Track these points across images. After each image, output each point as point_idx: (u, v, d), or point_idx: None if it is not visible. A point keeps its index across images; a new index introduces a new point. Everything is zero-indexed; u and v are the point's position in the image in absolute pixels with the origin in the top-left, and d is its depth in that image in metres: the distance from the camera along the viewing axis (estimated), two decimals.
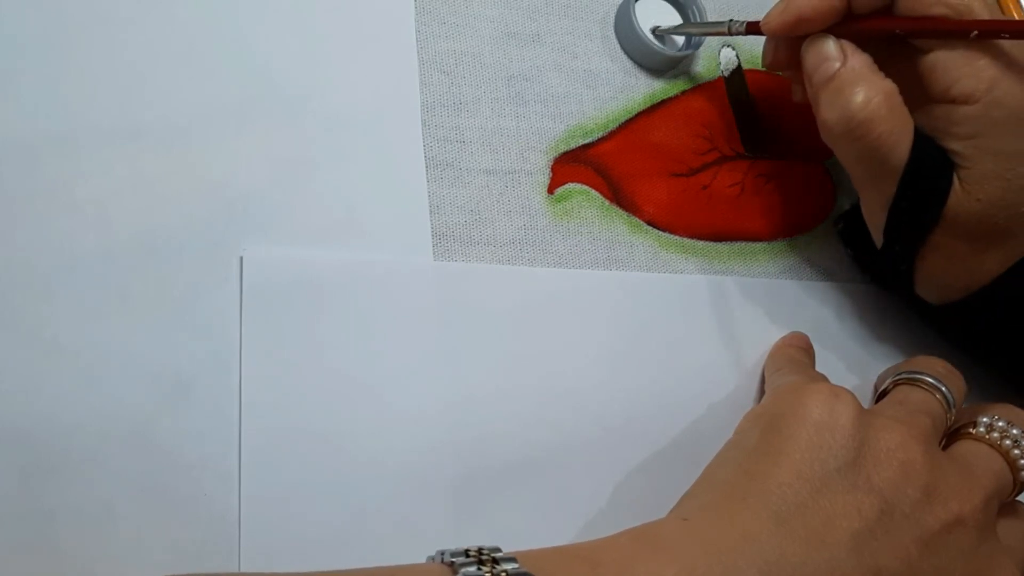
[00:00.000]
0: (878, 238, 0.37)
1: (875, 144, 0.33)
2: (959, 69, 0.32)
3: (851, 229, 0.40)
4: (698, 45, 0.41)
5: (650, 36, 0.40)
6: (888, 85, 0.33)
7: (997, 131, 0.32)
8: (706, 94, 0.42)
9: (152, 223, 0.30)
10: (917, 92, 0.33)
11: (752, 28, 0.37)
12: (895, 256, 0.36)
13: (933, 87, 0.33)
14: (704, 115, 0.41)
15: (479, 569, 0.23)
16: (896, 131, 0.33)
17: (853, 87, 0.33)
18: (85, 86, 0.31)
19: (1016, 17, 0.48)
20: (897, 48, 0.34)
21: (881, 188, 0.34)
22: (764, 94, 0.43)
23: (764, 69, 0.40)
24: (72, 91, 0.31)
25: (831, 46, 0.34)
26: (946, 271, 0.36)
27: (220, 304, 0.30)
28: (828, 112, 0.34)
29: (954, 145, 0.33)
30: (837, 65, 0.33)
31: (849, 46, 0.34)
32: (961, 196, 0.33)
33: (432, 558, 0.25)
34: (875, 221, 0.36)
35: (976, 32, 0.31)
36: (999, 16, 0.38)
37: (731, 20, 0.38)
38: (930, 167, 0.33)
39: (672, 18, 0.42)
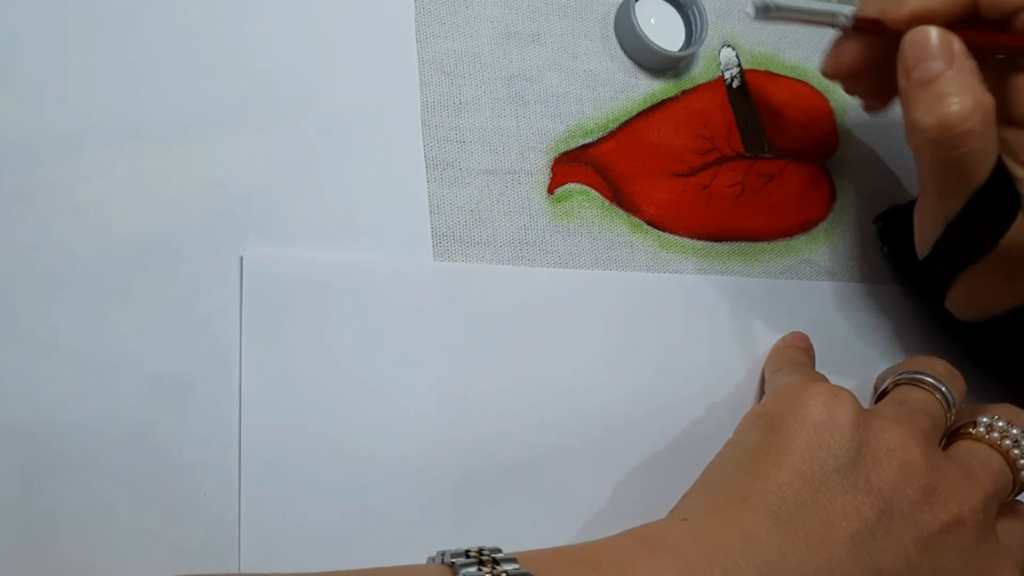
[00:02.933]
0: (923, 246, 0.36)
1: (962, 159, 0.31)
2: None
3: (890, 228, 0.40)
4: (698, 45, 0.41)
5: (650, 36, 0.40)
6: (989, 100, 0.31)
7: None
8: (706, 94, 0.42)
9: (152, 223, 0.30)
10: (1000, 110, 0.32)
11: (862, 23, 0.34)
12: (937, 271, 0.36)
13: (1014, 108, 0.32)
14: (704, 115, 0.41)
15: (479, 570, 0.23)
16: (986, 152, 0.32)
17: (956, 96, 0.31)
18: (85, 86, 0.31)
19: None
20: (991, 60, 0.33)
21: (947, 202, 0.33)
22: (764, 94, 0.43)
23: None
24: (72, 91, 0.31)
25: (936, 41, 0.32)
26: (981, 294, 0.36)
27: (220, 304, 0.30)
28: (923, 116, 0.32)
29: (1018, 171, 0.32)
30: (942, 67, 0.31)
31: (957, 44, 0.32)
32: (1019, 226, 0.32)
33: (432, 559, 0.25)
34: (927, 231, 0.35)
35: None
36: None
37: (839, 12, 0.35)
38: (1002, 195, 0.32)
39: (672, 18, 0.42)
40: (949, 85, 0.31)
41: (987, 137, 0.31)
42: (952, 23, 0.32)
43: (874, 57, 0.36)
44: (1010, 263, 0.33)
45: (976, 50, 0.32)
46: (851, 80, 0.38)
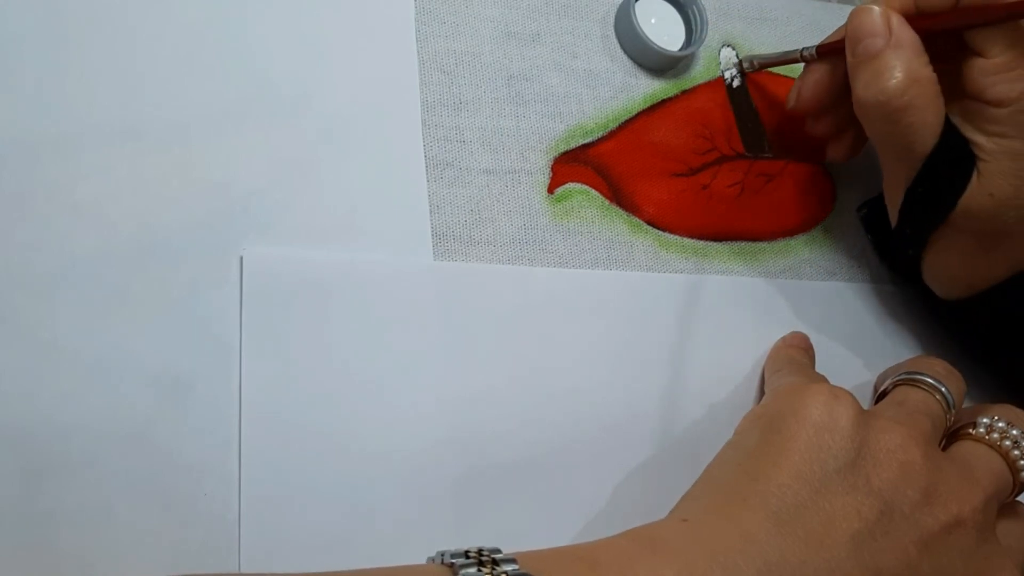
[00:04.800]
0: (894, 217, 0.37)
1: (905, 130, 0.33)
2: (997, 75, 0.32)
3: (874, 216, 0.40)
4: (698, 45, 0.41)
5: (650, 36, 0.40)
6: (927, 73, 0.33)
7: (1022, 134, 0.32)
8: (706, 94, 0.42)
9: (152, 223, 0.30)
10: (955, 82, 0.34)
11: (824, 48, 0.37)
12: (906, 238, 0.37)
13: (970, 86, 0.33)
14: (704, 115, 0.41)
15: (479, 570, 0.23)
16: (928, 122, 0.33)
17: (893, 71, 0.33)
18: (85, 86, 0.31)
19: None
20: (944, 37, 0.34)
21: (903, 169, 0.35)
22: (764, 94, 0.43)
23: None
24: (72, 91, 0.31)
25: (878, 19, 0.33)
26: (953, 264, 0.36)
27: (220, 304, 0.30)
28: (864, 90, 0.34)
29: (978, 137, 0.33)
30: (881, 43, 0.33)
31: (897, 20, 0.33)
32: (976, 189, 0.33)
33: (432, 559, 0.25)
34: (893, 199, 0.37)
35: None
36: None
37: (804, 47, 0.38)
38: (953, 158, 0.34)
39: (672, 18, 0.42)
40: (889, 60, 0.33)
41: (928, 108, 0.33)
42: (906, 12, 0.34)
43: (833, 88, 0.38)
44: (972, 230, 0.34)
45: (928, 31, 0.34)
46: (814, 117, 0.40)
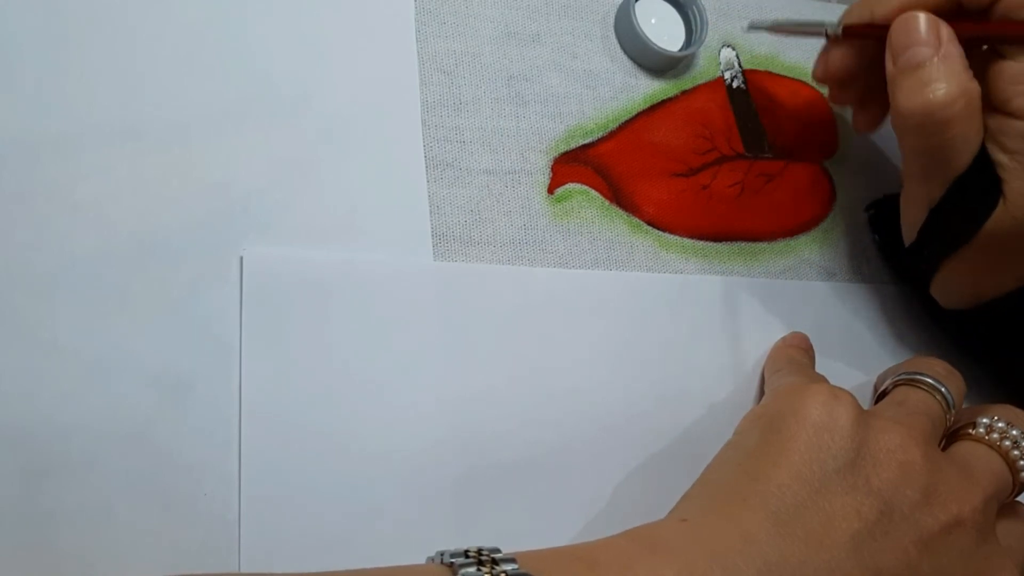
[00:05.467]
0: (909, 233, 0.36)
1: (945, 145, 0.32)
2: (1022, 83, 0.31)
3: (881, 217, 0.40)
4: (698, 45, 0.41)
5: (650, 36, 0.40)
6: (974, 87, 0.32)
7: None
8: (706, 94, 0.42)
9: (152, 223, 0.30)
10: (983, 97, 0.32)
11: (850, 29, 0.35)
12: (921, 257, 0.36)
13: (995, 95, 0.32)
14: (704, 115, 0.41)
15: (479, 570, 0.23)
16: (968, 138, 0.32)
17: (940, 82, 0.31)
18: (85, 86, 0.31)
19: None
20: (976, 48, 0.33)
21: (931, 187, 0.34)
22: (764, 94, 0.43)
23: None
24: (72, 91, 0.31)
25: (924, 27, 0.32)
26: (964, 280, 0.36)
27: (220, 304, 0.30)
28: (907, 100, 0.32)
29: (1000, 156, 0.32)
30: (928, 52, 0.32)
31: (945, 30, 0.32)
32: (1001, 212, 0.33)
33: (432, 559, 0.25)
34: (912, 216, 0.36)
35: None
36: None
37: (828, 22, 0.36)
38: (983, 181, 0.32)
39: (672, 18, 0.42)
40: (935, 71, 0.32)
41: (971, 124, 0.32)
42: (937, 14, 0.33)
43: (862, 62, 0.36)
44: (992, 251, 0.34)
45: (960, 39, 0.32)
46: (839, 86, 0.39)
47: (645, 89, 0.41)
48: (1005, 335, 0.37)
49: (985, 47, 0.34)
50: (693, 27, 0.41)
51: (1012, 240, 0.33)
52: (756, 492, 0.27)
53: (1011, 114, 0.32)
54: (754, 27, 0.39)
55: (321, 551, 0.29)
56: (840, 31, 0.36)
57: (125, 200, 0.30)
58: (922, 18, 0.32)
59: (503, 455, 0.32)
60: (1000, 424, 0.32)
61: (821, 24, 0.37)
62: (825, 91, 0.44)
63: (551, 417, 0.33)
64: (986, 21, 0.33)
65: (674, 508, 0.29)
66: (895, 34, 0.33)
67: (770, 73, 0.43)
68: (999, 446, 0.32)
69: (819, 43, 0.38)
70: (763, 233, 0.40)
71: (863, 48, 0.36)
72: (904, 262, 0.40)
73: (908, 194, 0.36)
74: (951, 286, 0.37)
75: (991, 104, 0.33)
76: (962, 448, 0.32)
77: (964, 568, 0.28)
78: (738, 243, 0.40)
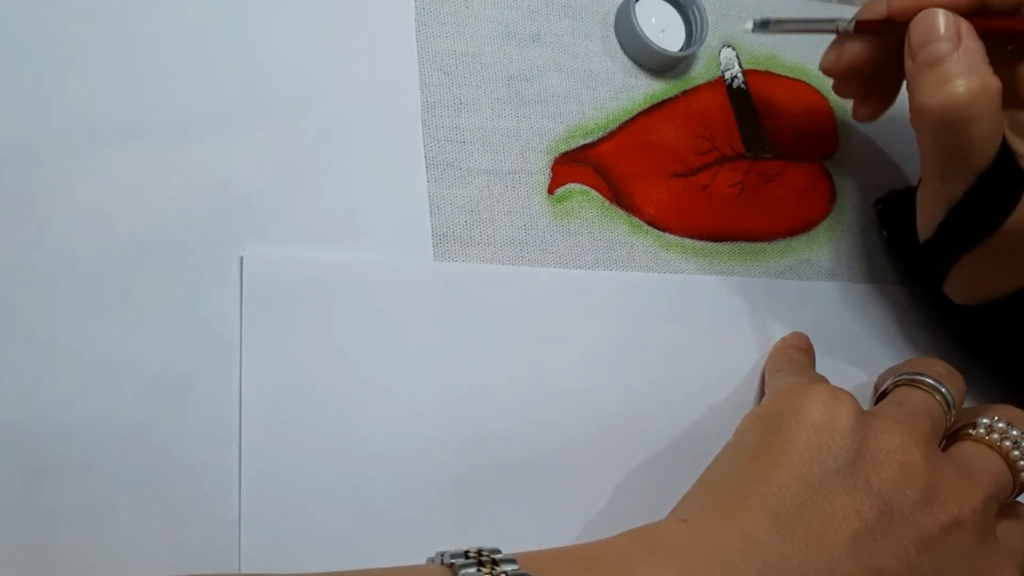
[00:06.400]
0: (925, 230, 0.36)
1: (966, 141, 0.31)
2: None
3: (890, 212, 0.40)
4: (698, 45, 0.41)
5: (650, 36, 0.40)
6: (996, 83, 0.31)
7: None
8: (706, 94, 0.42)
9: (152, 223, 0.30)
10: (1006, 92, 0.32)
11: (864, 25, 0.35)
12: (938, 253, 0.36)
13: (1018, 90, 0.32)
14: (704, 115, 0.41)
15: (479, 571, 0.23)
16: (991, 134, 0.31)
17: (962, 77, 0.31)
18: (85, 86, 0.31)
19: None
20: (999, 44, 0.33)
21: (951, 183, 0.33)
22: (764, 94, 0.43)
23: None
24: (72, 91, 0.31)
25: (943, 23, 0.32)
26: (978, 277, 0.36)
27: (220, 304, 0.30)
28: (928, 97, 0.31)
29: (1023, 150, 0.32)
30: (949, 48, 0.31)
31: (965, 27, 0.32)
32: (1021, 210, 0.32)
33: (432, 559, 0.25)
34: (930, 214, 0.35)
35: None
36: None
37: (839, 19, 0.36)
38: (1006, 177, 0.32)
39: (672, 18, 0.42)
40: (955, 67, 0.31)
41: (992, 120, 0.31)
42: (960, 14, 0.33)
43: (874, 57, 0.36)
44: (1011, 247, 0.33)
45: (984, 37, 0.32)
46: (845, 79, 0.38)
47: (645, 89, 0.41)
48: (1011, 332, 0.37)
49: (1010, 47, 0.33)
50: (693, 27, 0.41)
51: None
52: (756, 492, 0.27)
53: None
54: (757, 22, 0.38)
55: (321, 551, 0.29)
56: (852, 27, 0.36)
57: (125, 200, 0.30)
58: (941, 14, 0.32)
59: (503, 455, 0.32)
60: (1000, 424, 0.32)
61: (832, 20, 0.36)
62: (826, 91, 0.44)
63: (551, 417, 0.33)
64: (1011, 18, 0.33)
65: (674, 508, 0.29)
66: (915, 31, 0.33)
67: (770, 73, 0.43)
68: (999, 446, 0.32)
69: (821, 43, 0.38)
70: (763, 233, 0.40)
71: (875, 43, 0.36)
72: (915, 258, 0.39)
73: (927, 190, 0.35)
74: (965, 282, 0.36)
75: (1017, 100, 0.32)
76: (962, 448, 0.32)
77: (964, 568, 0.28)
78: (738, 243, 0.40)
